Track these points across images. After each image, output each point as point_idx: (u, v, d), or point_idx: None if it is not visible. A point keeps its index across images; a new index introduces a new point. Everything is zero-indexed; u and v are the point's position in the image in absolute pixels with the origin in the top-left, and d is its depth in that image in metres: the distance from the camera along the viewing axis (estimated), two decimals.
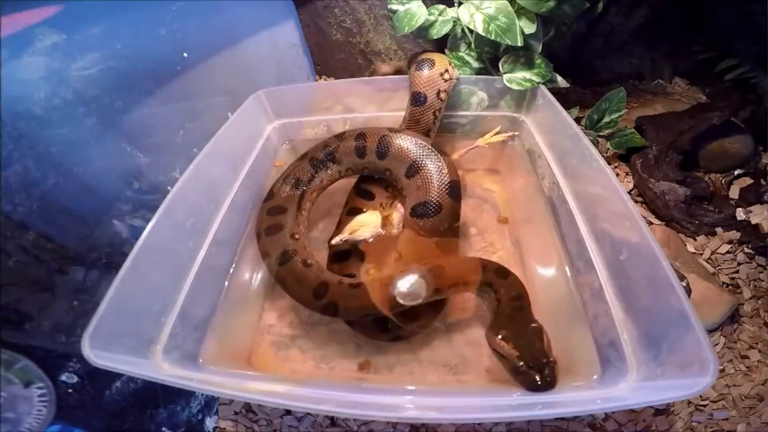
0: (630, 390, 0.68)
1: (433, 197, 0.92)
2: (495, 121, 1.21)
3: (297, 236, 0.98)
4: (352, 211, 1.09)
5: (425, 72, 1.06)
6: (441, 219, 0.92)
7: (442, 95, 1.07)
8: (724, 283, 1.09)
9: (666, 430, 0.91)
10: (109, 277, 0.76)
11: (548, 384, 0.71)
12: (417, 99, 1.07)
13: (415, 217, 0.93)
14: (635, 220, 0.76)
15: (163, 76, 1.11)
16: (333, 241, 0.98)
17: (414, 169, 0.96)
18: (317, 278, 0.90)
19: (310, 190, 1.06)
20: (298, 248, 0.95)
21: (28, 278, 0.80)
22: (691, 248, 1.15)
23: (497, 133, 1.13)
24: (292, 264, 0.92)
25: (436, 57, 1.08)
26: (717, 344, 1.01)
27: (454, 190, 0.93)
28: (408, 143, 0.99)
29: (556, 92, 1.09)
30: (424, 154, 0.97)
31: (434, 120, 1.10)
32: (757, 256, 1.12)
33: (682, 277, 0.98)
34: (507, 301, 0.83)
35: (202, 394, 0.97)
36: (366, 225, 0.98)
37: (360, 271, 0.98)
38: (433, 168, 0.95)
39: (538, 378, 0.71)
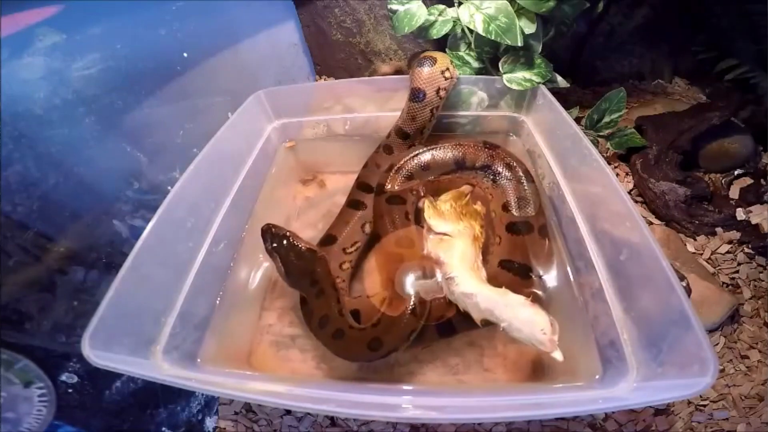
0: (630, 390, 0.68)
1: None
2: (495, 121, 1.21)
3: None
4: (352, 204, 1.11)
5: (426, 69, 1.06)
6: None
7: (442, 93, 1.07)
8: (724, 283, 1.09)
9: (666, 430, 0.91)
10: (109, 277, 0.76)
11: None
12: (416, 95, 1.07)
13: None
14: (635, 220, 0.76)
15: (163, 76, 1.11)
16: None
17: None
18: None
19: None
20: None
21: (28, 278, 0.80)
22: (691, 248, 1.15)
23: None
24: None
25: (438, 55, 1.09)
26: (717, 344, 1.01)
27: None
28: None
29: (556, 92, 1.09)
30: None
31: (431, 117, 1.10)
32: (757, 256, 1.12)
33: (682, 277, 0.98)
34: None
35: (202, 394, 0.97)
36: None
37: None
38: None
39: None
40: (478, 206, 1.02)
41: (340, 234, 1.06)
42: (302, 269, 0.91)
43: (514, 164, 1.04)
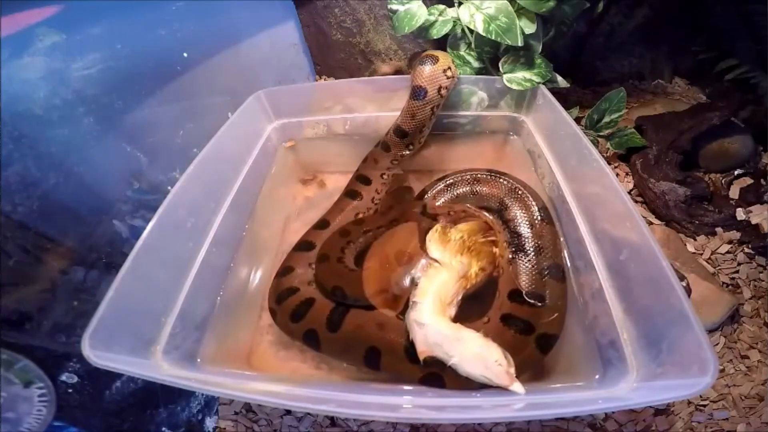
0: (630, 390, 0.68)
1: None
2: (495, 121, 1.21)
3: None
4: (350, 193, 1.15)
5: (427, 67, 1.06)
6: None
7: (443, 91, 1.08)
8: (724, 283, 1.09)
9: (666, 430, 0.91)
10: (109, 277, 0.76)
11: None
12: (417, 93, 1.07)
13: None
14: (635, 220, 0.76)
15: (163, 76, 1.11)
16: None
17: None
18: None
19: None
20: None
21: (28, 278, 0.80)
22: (691, 248, 1.15)
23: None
24: None
25: (440, 54, 1.09)
26: (717, 344, 1.01)
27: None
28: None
29: (556, 92, 1.09)
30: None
31: (431, 116, 1.10)
32: (757, 256, 1.12)
33: (682, 277, 0.98)
34: None
35: (202, 394, 0.97)
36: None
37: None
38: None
39: None
40: (496, 249, 0.91)
41: (333, 219, 1.10)
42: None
43: (545, 247, 0.91)
